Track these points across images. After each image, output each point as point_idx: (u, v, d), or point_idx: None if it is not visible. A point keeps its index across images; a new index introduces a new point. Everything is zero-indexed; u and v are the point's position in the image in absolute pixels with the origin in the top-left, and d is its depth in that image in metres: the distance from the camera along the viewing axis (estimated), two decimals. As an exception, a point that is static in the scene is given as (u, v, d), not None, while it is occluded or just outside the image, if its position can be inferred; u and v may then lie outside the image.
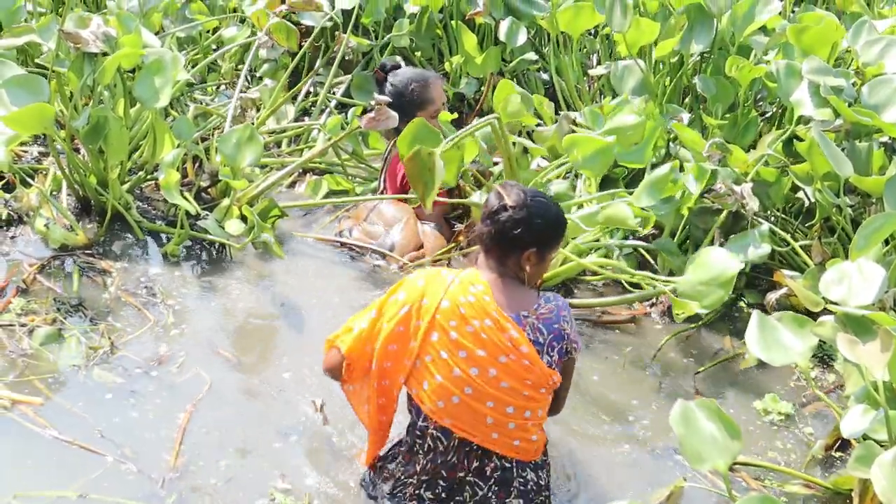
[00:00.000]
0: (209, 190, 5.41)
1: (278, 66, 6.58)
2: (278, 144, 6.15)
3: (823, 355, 4.75)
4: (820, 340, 4.41)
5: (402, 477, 3.54)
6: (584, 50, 7.05)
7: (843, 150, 4.82)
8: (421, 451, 3.51)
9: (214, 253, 5.07)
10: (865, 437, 3.56)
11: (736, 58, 5.43)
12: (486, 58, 6.49)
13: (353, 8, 6.47)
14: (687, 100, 6.07)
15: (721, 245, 4.87)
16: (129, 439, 3.74)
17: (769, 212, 5.23)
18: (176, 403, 3.98)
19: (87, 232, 4.94)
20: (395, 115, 5.14)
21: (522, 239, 3.42)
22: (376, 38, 6.82)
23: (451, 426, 3.42)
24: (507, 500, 3.49)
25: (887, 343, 3.38)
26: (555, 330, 3.44)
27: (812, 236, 5.07)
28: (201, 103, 6.32)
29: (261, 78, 6.66)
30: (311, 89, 6.61)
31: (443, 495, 3.49)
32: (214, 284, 4.80)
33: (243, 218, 5.03)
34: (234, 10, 6.85)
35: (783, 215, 5.35)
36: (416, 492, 3.51)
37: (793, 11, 6.61)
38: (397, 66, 5.36)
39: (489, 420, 3.40)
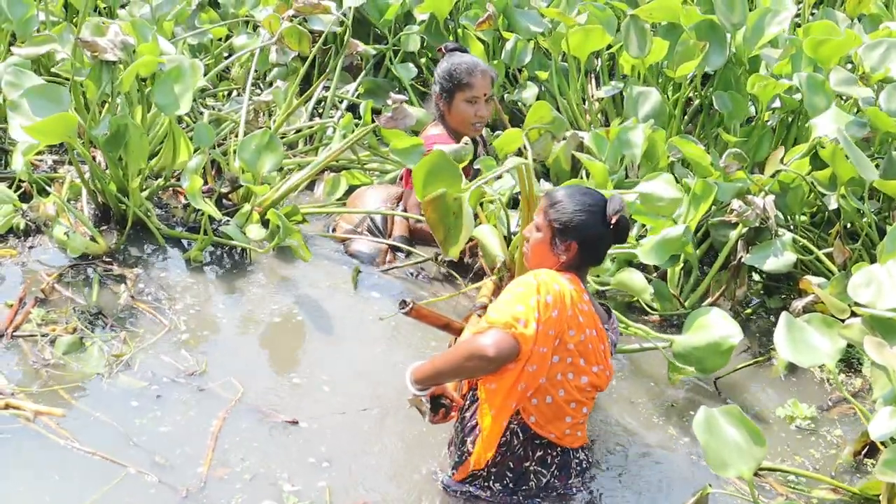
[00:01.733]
0: (229, 195, 5.48)
1: (288, 70, 6.65)
2: (292, 146, 6.22)
3: (850, 359, 4.79)
4: (847, 345, 4.49)
5: (475, 469, 3.68)
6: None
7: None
8: (498, 447, 3.64)
9: (236, 258, 5.13)
10: (894, 441, 3.60)
11: (759, 75, 5.47)
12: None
13: (362, 13, 6.60)
14: (689, 118, 6.15)
15: (747, 251, 4.95)
16: (151, 449, 3.80)
17: (789, 220, 5.29)
18: (202, 412, 4.04)
19: (107, 240, 5.01)
20: (413, 113, 5.31)
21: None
22: (386, 44, 6.92)
23: (533, 424, 3.62)
24: (569, 482, 3.71)
25: (915, 344, 3.43)
26: (613, 341, 3.76)
27: (832, 241, 5.12)
28: (214, 109, 6.41)
29: (271, 83, 6.74)
30: (323, 93, 6.69)
31: (511, 486, 3.67)
32: (237, 289, 4.88)
33: (263, 222, 5.10)
34: (246, 18, 6.93)
35: (804, 224, 5.40)
36: (486, 483, 3.68)
37: (812, 13, 6.64)
38: (459, 49, 5.54)
39: (568, 419, 3.65)
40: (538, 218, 3.74)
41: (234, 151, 5.31)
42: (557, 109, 6.33)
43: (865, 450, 4.17)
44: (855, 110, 5.42)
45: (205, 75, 6.54)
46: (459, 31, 6.74)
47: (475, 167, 4.96)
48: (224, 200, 5.48)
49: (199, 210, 5.09)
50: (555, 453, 3.69)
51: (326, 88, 6.71)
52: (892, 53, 5.31)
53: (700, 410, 3.38)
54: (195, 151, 5.15)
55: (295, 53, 6.28)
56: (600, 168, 4.85)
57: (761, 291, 5.30)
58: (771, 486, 3.98)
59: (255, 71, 6.40)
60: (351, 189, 5.74)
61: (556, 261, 3.67)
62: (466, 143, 4.63)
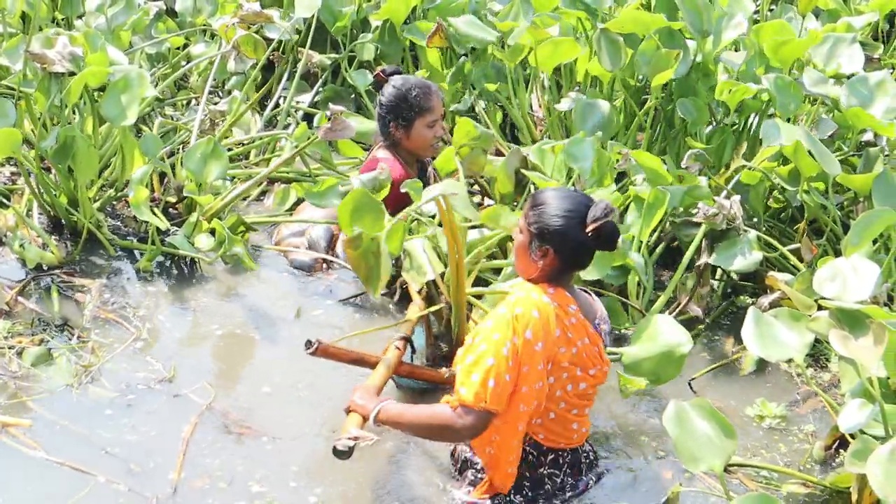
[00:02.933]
0: (177, 205, 5.51)
1: (247, 78, 6.67)
2: (247, 156, 6.26)
3: (819, 355, 4.87)
4: (816, 340, 4.56)
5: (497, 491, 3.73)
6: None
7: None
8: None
9: (188, 268, 5.19)
10: (863, 433, 3.66)
11: (728, 81, 5.43)
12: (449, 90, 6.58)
13: (312, 20, 6.63)
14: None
15: (710, 253, 5.01)
16: (121, 458, 3.84)
17: (754, 217, 5.37)
18: (172, 420, 4.09)
19: (61, 250, 5.06)
20: (352, 125, 5.32)
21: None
22: (343, 51, 6.96)
23: (542, 440, 3.70)
24: (581, 477, 3.81)
25: (881, 337, 3.47)
26: (606, 331, 3.81)
27: (799, 238, 5.19)
28: (172, 119, 6.43)
29: (230, 91, 6.78)
30: (281, 102, 6.74)
31: (529, 494, 3.73)
32: (189, 298, 4.94)
33: (212, 231, 5.15)
34: (204, 27, 6.96)
35: (768, 220, 5.48)
36: (507, 497, 3.72)
37: (770, 10, 6.72)
38: (397, 72, 5.44)
39: (574, 425, 3.73)
40: (521, 219, 3.73)
41: (181, 162, 5.35)
42: (505, 124, 6.39)
43: (836, 444, 4.23)
44: (824, 111, 5.50)
45: (163, 84, 6.65)
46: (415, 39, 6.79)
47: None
48: (172, 210, 5.55)
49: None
50: (565, 454, 3.78)
51: (285, 96, 6.78)
52: (838, 49, 5.39)
53: (670, 404, 3.44)
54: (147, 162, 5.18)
55: (253, 61, 6.31)
56: (553, 186, 4.71)
57: (728, 290, 5.34)
58: (741, 482, 4.05)
59: (214, 80, 6.43)
60: (301, 201, 5.74)
61: (535, 266, 3.67)
62: (382, 169, 4.58)
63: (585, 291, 3.88)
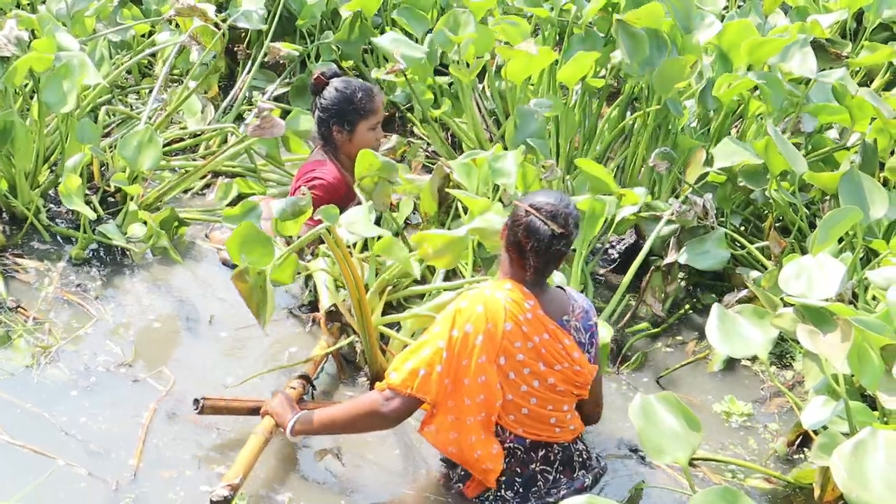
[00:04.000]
0: (115, 194, 5.51)
1: (210, 69, 6.65)
2: (196, 148, 6.27)
3: (783, 353, 4.91)
4: (778, 339, 4.61)
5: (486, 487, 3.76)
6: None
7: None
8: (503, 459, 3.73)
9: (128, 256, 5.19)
10: (826, 429, 3.70)
11: (729, 75, 5.33)
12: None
13: (277, 11, 6.63)
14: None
15: (679, 251, 5.04)
16: (82, 441, 3.85)
17: (721, 215, 5.40)
18: (132, 404, 4.10)
19: (4, 235, 5.08)
20: (281, 122, 5.33)
21: (567, 253, 3.76)
22: (312, 42, 6.95)
23: (523, 434, 3.72)
24: (574, 475, 3.83)
25: (847, 333, 3.51)
26: (590, 327, 3.84)
27: (766, 235, 5.24)
28: (132, 108, 6.41)
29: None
30: (247, 94, 6.73)
31: (521, 490, 3.76)
32: (130, 287, 4.93)
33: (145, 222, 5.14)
34: (169, 16, 6.93)
35: (736, 213, 5.53)
36: (498, 493, 3.75)
37: (739, 7, 6.76)
38: (337, 74, 5.30)
39: (552, 420, 3.76)
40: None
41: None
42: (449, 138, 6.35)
43: (798, 440, 4.28)
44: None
45: (128, 73, 6.63)
46: (388, 28, 6.77)
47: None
48: (111, 199, 5.53)
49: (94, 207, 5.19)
50: (557, 450, 3.80)
51: (254, 88, 6.77)
52: (788, 52, 5.45)
53: (636, 397, 3.48)
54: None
55: (215, 52, 6.31)
56: (481, 205, 4.51)
57: (692, 288, 5.38)
58: (705, 475, 4.09)
59: (177, 69, 6.42)
60: (242, 196, 5.64)
61: (504, 265, 3.80)
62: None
63: (563, 289, 3.90)
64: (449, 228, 4.85)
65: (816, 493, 3.75)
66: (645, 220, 5.20)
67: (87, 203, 5.14)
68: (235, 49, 7.07)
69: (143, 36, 6.83)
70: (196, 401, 3.80)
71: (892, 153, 5.14)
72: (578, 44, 5.67)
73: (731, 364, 4.85)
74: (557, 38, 6.16)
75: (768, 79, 5.29)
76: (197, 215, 5.49)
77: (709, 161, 5.24)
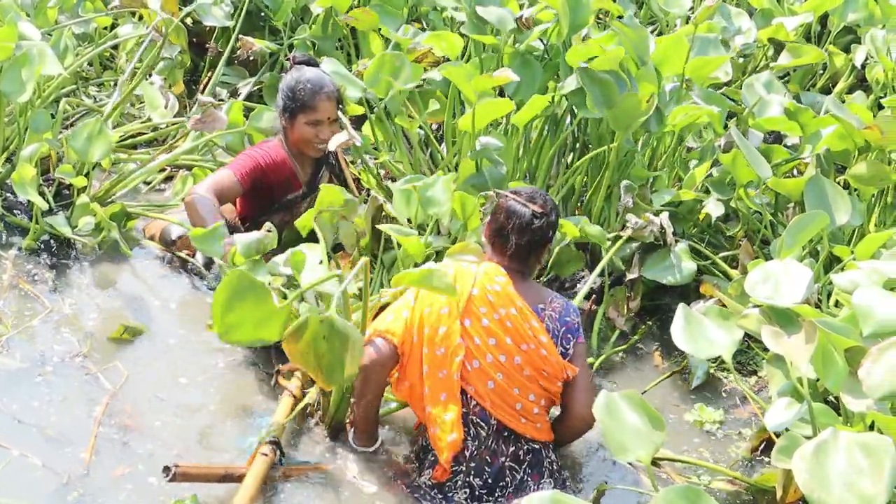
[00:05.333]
0: (71, 186, 5.44)
1: (175, 63, 6.62)
2: (164, 140, 6.22)
3: (747, 361, 4.96)
4: (743, 347, 4.64)
5: (454, 465, 3.80)
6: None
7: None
8: (469, 438, 3.80)
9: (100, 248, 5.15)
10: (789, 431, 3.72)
11: (685, 106, 5.27)
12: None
13: (243, 6, 6.61)
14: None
15: (641, 266, 5.06)
16: (35, 432, 3.84)
17: (683, 229, 5.45)
18: (84, 396, 4.08)
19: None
20: (223, 117, 5.31)
21: (549, 237, 3.94)
22: (285, 38, 6.92)
23: (490, 409, 3.78)
24: (542, 482, 3.87)
25: (812, 335, 3.52)
26: (567, 323, 3.94)
27: (735, 244, 5.28)
28: (95, 100, 6.37)
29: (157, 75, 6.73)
30: (217, 89, 6.70)
31: (489, 481, 3.81)
32: (83, 279, 4.89)
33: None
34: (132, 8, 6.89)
35: (698, 230, 5.58)
36: (467, 479, 3.80)
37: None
38: (307, 62, 5.21)
39: (518, 406, 3.83)
40: None
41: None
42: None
43: (762, 445, 4.32)
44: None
45: (89, 65, 6.58)
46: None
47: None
48: (66, 191, 5.47)
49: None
50: (527, 448, 3.85)
51: (224, 84, 6.76)
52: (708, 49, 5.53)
53: (601, 394, 3.46)
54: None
55: (181, 48, 6.29)
56: (413, 243, 4.37)
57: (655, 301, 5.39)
58: (668, 476, 4.11)
59: (141, 61, 6.38)
60: None
61: (488, 255, 4.03)
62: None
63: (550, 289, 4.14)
64: (381, 260, 4.84)
65: (779, 494, 3.77)
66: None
67: (41, 194, 5.10)
68: (206, 45, 7.02)
69: (105, 28, 6.78)
70: (167, 468, 3.55)
71: (853, 159, 5.19)
72: (518, 70, 5.33)
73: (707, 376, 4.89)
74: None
75: (716, 101, 5.39)
76: (143, 211, 5.37)
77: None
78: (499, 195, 4.02)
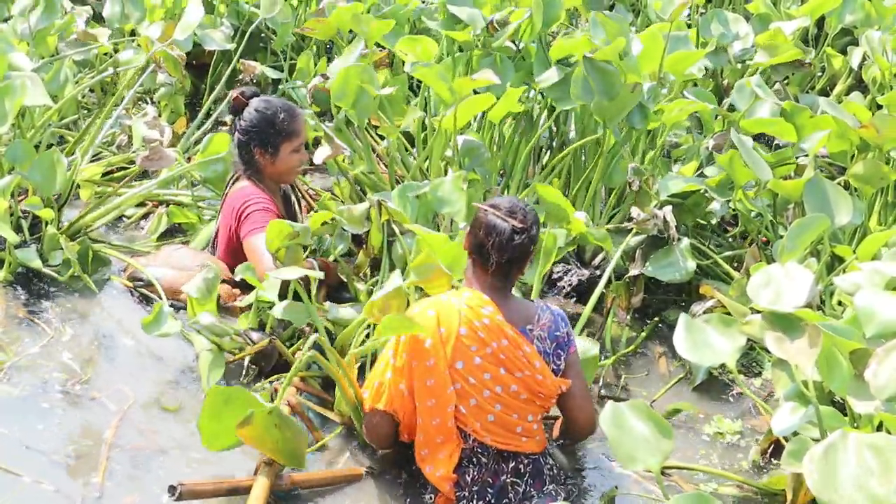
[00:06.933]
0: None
1: (174, 90, 6.62)
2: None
3: (750, 363, 4.93)
4: (747, 349, 4.61)
5: (457, 491, 3.76)
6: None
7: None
8: (470, 465, 3.76)
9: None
10: (796, 435, 3.70)
11: (681, 100, 5.32)
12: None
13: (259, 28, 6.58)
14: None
15: (644, 263, 5.05)
16: (46, 458, 3.81)
17: (685, 227, 5.44)
18: (90, 421, 4.07)
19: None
20: (171, 154, 5.18)
21: (531, 251, 3.79)
22: (284, 62, 6.92)
23: (491, 442, 3.73)
24: (545, 489, 3.83)
25: (815, 339, 3.51)
26: (557, 338, 3.85)
27: (746, 245, 5.29)
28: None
29: (158, 103, 6.72)
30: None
31: (492, 501, 3.76)
32: (79, 307, 4.84)
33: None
34: (133, 34, 6.89)
35: (700, 230, 5.58)
36: (471, 502, 3.75)
37: (701, 14, 6.78)
38: (257, 94, 5.03)
39: (518, 429, 3.77)
40: None
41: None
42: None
43: (770, 448, 4.30)
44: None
45: (91, 91, 6.58)
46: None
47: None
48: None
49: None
50: (527, 461, 3.81)
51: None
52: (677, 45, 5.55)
53: (607, 405, 3.44)
54: (8, 171, 5.03)
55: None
56: (438, 240, 4.03)
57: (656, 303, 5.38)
58: (677, 484, 4.09)
59: (141, 86, 6.39)
60: (177, 228, 5.59)
61: (469, 272, 3.88)
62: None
63: (534, 301, 3.98)
64: (386, 261, 4.64)
65: (789, 497, 3.74)
66: (609, 232, 5.17)
67: (19, 226, 5.04)
68: (206, 66, 6.99)
69: (105, 55, 6.78)
70: (172, 487, 3.55)
71: (852, 159, 5.18)
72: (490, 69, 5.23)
73: (712, 381, 4.86)
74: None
75: (707, 97, 5.36)
76: (110, 250, 5.24)
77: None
78: (477, 208, 3.87)
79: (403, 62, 5.65)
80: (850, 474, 3.01)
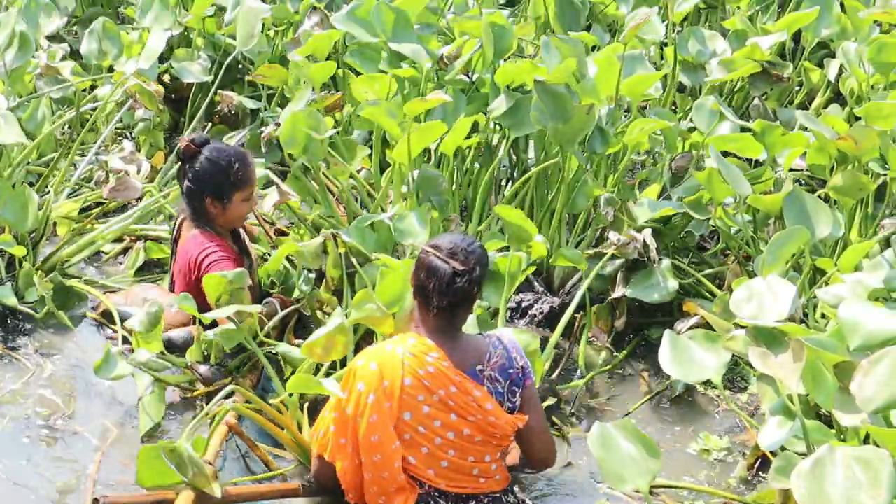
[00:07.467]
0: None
1: (153, 124, 6.59)
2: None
3: (735, 378, 4.91)
4: (732, 364, 4.59)
5: None
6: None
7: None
8: None
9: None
10: (783, 450, 3.68)
11: (643, 119, 5.23)
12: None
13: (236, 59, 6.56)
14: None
15: (626, 285, 5.03)
16: (35, 494, 3.84)
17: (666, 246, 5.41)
18: (73, 455, 4.09)
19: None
20: (137, 185, 5.17)
21: (473, 294, 3.61)
22: (263, 91, 6.87)
23: (446, 487, 3.61)
24: None
25: (800, 354, 3.49)
26: (510, 375, 3.67)
27: (728, 262, 5.28)
28: (74, 165, 6.28)
29: (136, 138, 6.69)
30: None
31: None
32: (58, 342, 4.86)
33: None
34: (111, 70, 6.86)
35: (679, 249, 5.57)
36: None
37: (677, 32, 6.77)
38: (207, 141, 4.85)
39: (475, 471, 3.65)
40: None
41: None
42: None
43: (757, 463, 4.27)
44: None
45: (69, 127, 6.53)
46: (339, 71, 6.70)
47: None
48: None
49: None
50: (486, 501, 3.69)
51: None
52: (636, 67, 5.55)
53: (595, 425, 3.43)
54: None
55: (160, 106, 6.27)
56: (400, 266, 4.17)
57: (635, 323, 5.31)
58: (665, 502, 4.06)
59: (121, 121, 6.37)
60: (156, 263, 5.55)
61: (416, 314, 3.73)
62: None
63: (489, 335, 3.79)
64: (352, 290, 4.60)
65: (778, 512, 3.74)
66: (589, 257, 5.15)
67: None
68: (184, 99, 6.95)
69: (84, 91, 6.75)
70: (95, 500, 3.53)
71: (831, 171, 5.17)
72: (442, 105, 5.23)
73: (689, 393, 4.84)
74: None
75: (668, 116, 5.37)
76: (84, 286, 5.19)
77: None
78: (419, 249, 3.70)
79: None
80: (839, 488, 3.00)
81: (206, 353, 4.47)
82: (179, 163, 4.86)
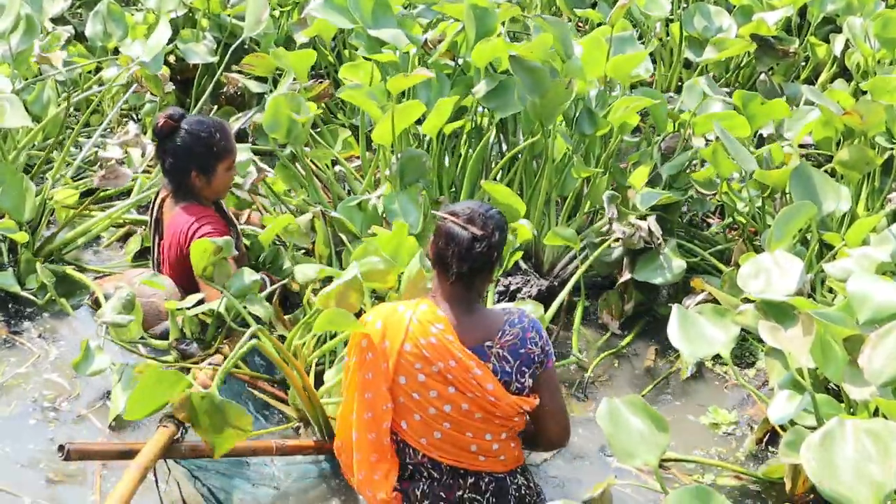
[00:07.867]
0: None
1: (159, 106, 6.56)
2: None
3: (744, 353, 4.90)
4: (739, 340, 4.59)
5: (405, 502, 3.55)
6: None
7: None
8: (422, 479, 3.55)
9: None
10: (793, 424, 3.68)
11: (627, 98, 5.15)
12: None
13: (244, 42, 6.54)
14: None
15: (632, 269, 5.03)
16: (43, 477, 3.84)
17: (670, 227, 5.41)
18: (82, 437, 4.07)
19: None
20: (127, 172, 5.13)
21: (493, 259, 3.49)
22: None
23: (439, 458, 3.50)
24: None
25: (809, 327, 3.49)
26: (522, 356, 3.48)
27: (734, 238, 5.27)
28: (79, 147, 6.26)
29: (142, 119, 6.67)
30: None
31: None
32: (62, 326, 4.86)
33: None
34: (116, 51, 6.84)
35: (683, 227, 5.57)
36: None
37: (683, 8, 6.75)
38: (184, 116, 4.75)
39: (473, 448, 3.50)
40: None
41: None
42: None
43: (766, 437, 4.27)
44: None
45: (76, 110, 6.52)
46: (346, 52, 6.69)
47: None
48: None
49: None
50: (488, 479, 3.56)
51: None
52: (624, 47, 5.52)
53: (603, 402, 3.41)
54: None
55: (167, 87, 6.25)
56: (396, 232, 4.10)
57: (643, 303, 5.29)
58: (675, 476, 4.06)
59: (126, 102, 6.36)
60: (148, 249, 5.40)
61: (435, 282, 3.61)
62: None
63: (509, 311, 3.65)
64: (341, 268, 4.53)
65: (788, 486, 3.73)
66: (592, 246, 5.17)
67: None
68: (191, 80, 6.94)
69: (89, 73, 6.73)
70: (61, 447, 3.47)
71: (838, 146, 5.16)
72: (425, 89, 5.29)
73: (700, 371, 4.84)
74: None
75: (654, 95, 5.34)
76: (80, 273, 5.15)
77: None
78: (436, 217, 3.58)
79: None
80: (849, 461, 2.98)
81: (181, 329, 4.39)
82: (157, 141, 4.75)
